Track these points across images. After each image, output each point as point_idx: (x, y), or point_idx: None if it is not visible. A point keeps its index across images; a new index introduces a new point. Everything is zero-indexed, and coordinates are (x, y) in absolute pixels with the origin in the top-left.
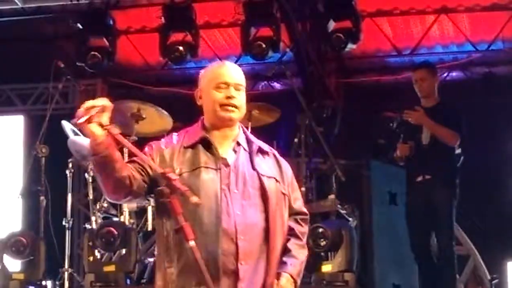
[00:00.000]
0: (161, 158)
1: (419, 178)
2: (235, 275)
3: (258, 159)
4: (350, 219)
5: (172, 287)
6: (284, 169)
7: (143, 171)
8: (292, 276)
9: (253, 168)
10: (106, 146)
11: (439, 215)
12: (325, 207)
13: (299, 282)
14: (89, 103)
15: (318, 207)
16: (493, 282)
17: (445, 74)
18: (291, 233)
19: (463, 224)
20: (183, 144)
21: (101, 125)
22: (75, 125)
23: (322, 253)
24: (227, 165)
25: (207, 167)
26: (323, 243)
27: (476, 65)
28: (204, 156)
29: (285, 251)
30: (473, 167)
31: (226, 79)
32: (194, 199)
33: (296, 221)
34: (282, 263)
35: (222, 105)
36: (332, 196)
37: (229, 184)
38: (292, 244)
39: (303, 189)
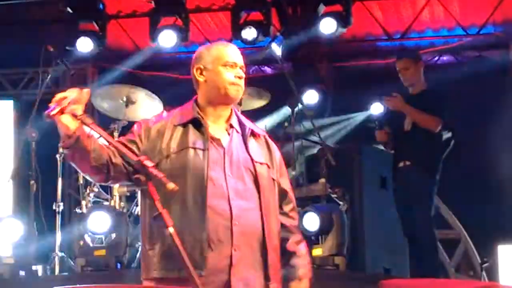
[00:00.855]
0: (149, 137)
1: (401, 164)
2: (229, 260)
3: (251, 143)
4: (341, 203)
5: (153, 270)
6: (274, 153)
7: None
8: (307, 278)
9: (247, 152)
10: (77, 138)
11: (416, 200)
12: (316, 191)
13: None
14: (60, 94)
15: (308, 191)
16: (484, 265)
17: (435, 58)
18: (287, 230)
19: (453, 208)
20: (173, 123)
21: (74, 116)
22: (47, 117)
23: (313, 237)
24: (221, 146)
25: (194, 148)
26: (313, 227)
27: (466, 49)
28: (193, 136)
29: (289, 252)
30: (463, 150)
31: (235, 60)
32: (170, 185)
33: (287, 215)
34: (292, 267)
35: (232, 84)
36: (322, 180)
37: (224, 168)
38: (293, 244)
39: (293, 173)
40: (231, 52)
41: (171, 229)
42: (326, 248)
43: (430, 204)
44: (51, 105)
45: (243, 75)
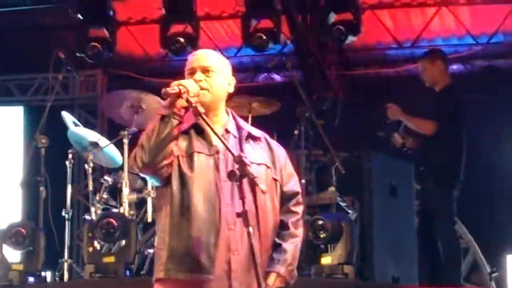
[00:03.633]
0: None
1: (421, 168)
2: (227, 265)
3: (248, 146)
4: (350, 211)
5: (161, 269)
6: (276, 153)
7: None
8: (279, 274)
9: None
10: (180, 118)
11: (433, 207)
12: (325, 200)
13: (290, 277)
14: (179, 82)
15: (318, 200)
16: (493, 275)
17: None
18: (282, 225)
19: (462, 218)
20: None
21: (188, 102)
22: (165, 94)
23: (322, 246)
24: (217, 152)
25: (200, 152)
26: (322, 235)
27: (476, 58)
28: (197, 142)
29: (276, 246)
30: (473, 159)
31: (192, 65)
32: (262, 186)
33: (289, 211)
34: (271, 260)
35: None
36: (332, 189)
37: (220, 173)
38: (281, 236)
39: (303, 181)
40: (192, 59)
41: (250, 229)
42: (335, 256)
43: (451, 210)
44: (173, 85)
45: (201, 78)
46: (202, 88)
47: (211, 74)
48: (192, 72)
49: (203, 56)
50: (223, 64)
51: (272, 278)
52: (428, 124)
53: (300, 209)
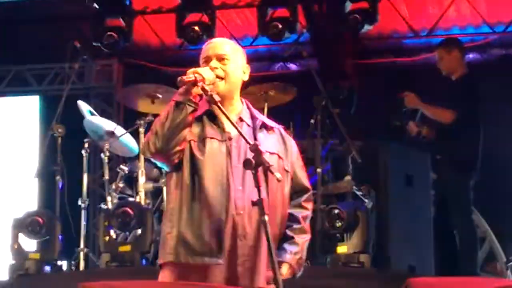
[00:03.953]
0: None
1: (437, 157)
2: (233, 250)
3: (261, 135)
4: (366, 200)
5: (170, 252)
6: (289, 146)
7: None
8: (291, 265)
9: None
10: (195, 105)
11: (450, 196)
12: (341, 188)
13: (299, 269)
14: (195, 69)
15: (334, 188)
16: (509, 264)
17: None
18: (293, 218)
19: (479, 206)
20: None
21: (204, 90)
22: (180, 82)
23: (338, 234)
24: (230, 138)
25: (212, 138)
26: (338, 224)
27: (493, 47)
28: (209, 128)
29: (287, 237)
30: (490, 148)
31: (208, 53)
32: (277, 175)
33: (300, 206)
34: (283, 251)
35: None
36: (348, 177)
37: (231, 159)
38: (293, 230)
39: (319, 170)
40: (207, 47)
41: (266, 217)
42: (351, 245)
43: (464, 202)
44: (189, 73)
45: (217, 65)
46: (217, 76)
47: (226, 62)
48: (207, 60)
49: (218, 44)
50: (238, 52)
51: (284, 268)
52: (447, 113)
53: (310, 206)
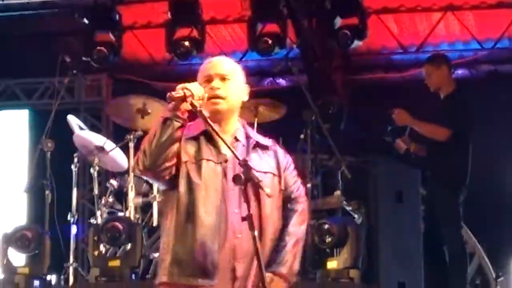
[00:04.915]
0: None
1: (427, 173)
2: (232, 273)
3: (255, 155)
4: (356, 215)
5: (164, 273)
6: (280, 160)
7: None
8: (282, 275)
9: None
10: (179, 126)
11: (439, 212)
12: (331, 204)
13: (291, 276)
14: (184, 85)
15: (323, 204)
16: (499, 280)
17: None
18: (286, 223)
19: (467, 222)
20: (185, 136)
21: (193, 105)
22: (169, 98)
23: (328, 250)
24: (226, 161)
25: (209, 160)
26: (328, 239)
27: (481, 63)
28: (206, 149)
29: (276, 246)
30: (479, 164)
31: (209, 72)
32: (267, 190)
33: (288, 209)
34: (272, 261)
35: (208, 98)
36: (338, 193)
37: (227, 181)
38: (283, 236)
39: (308, 185)
40: (208, 66)
41: (256, 232)
42: (341, 261)
43: (457, 215)
44: (178, 89)
45: (219, 85)
46: (219, 97)
47: (228, 82)
48: (209, 79)
49: (220, 63)
50: (239, 71)
51: (275, 281)
52: (441, 131)
53: (300, 206)
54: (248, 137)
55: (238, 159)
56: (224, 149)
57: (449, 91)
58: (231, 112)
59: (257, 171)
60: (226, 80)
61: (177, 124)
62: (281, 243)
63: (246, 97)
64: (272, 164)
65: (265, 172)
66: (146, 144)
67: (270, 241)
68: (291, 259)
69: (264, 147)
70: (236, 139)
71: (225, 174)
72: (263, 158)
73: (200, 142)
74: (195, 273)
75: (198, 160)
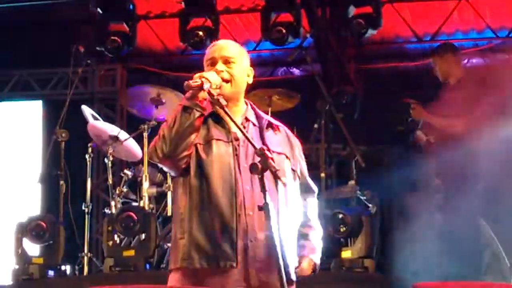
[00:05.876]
0: None
1: (441, 162)
2: (244, 252)
3: (269, 134)
4: (370, 205)
5: (184, 258)
6: (294, 145)
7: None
8: (311, 260)
9: (263, 143)
10: (202, 110)
11: (454, 202)
12: (345, 193)
13: (318, 263)
14: (201, 74)
15: (338, 193)
16: None
17: (465, 61)
18: (305, 216)
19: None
20: None
21: (210, 94)
22: (187, 86)
23: (342, 239)
24: (236, 139)
25: (219, 139)
26: (343, 229)
27: (496, 51)
28: (215, 130)
29: (302, 235)
30: (493, 153)
31: (213, 55)
32: (283, 179)
33: (305, 200)
34: (302, 247)
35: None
36: (352, 182)
37: (239, 159)
38: (308, 227)
39: (322, 174)
40: (212, 49)
41: (271, 222)
42: (355, 250)
43: (472, 205)
44: (195, 78)
45: (223, 68)
46: (223, 79)
47: (232, 65)
48: (213, 62)
49: (224, 46)
50: (243, 54)
51: (305, 263)
52: (457, 123)
53: (314, 206)
54: (259, 118)
55: (254, 147)
56: (233, 128)
57: (458, 78)
58: (236, 94)
59: (273, 151)
60: (230, 63)
61: (197, 113)
62: (309, 234)
63: (250, 80)
64: (283, 145)
65: (279, 153)
66: (166, 131)
67: (291, 223)
68: (318, 250)
69: (275, 128)
70: (247, 119)
71: (236, 152)
72: (276, 138)
73: (208, 123)
74: (216, 256)
75: (208, 141)
